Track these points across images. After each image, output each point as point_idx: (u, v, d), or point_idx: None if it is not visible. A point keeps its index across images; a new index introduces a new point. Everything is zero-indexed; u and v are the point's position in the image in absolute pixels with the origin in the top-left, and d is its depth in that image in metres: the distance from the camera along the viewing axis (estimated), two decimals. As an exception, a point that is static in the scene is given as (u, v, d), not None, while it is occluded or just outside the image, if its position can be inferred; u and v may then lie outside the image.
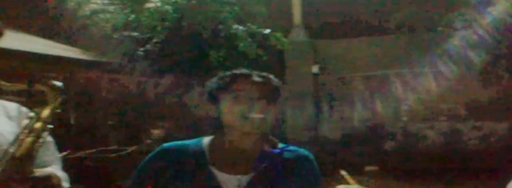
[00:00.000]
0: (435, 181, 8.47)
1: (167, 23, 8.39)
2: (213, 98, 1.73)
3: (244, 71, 1.74)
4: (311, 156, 1.82)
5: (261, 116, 1.63)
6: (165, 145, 1.78)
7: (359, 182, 7.12)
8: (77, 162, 5.75)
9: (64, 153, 4.92)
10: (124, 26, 8.60)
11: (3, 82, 1.62)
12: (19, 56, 6.76)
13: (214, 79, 1.76)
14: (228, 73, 1.75)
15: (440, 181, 8.41)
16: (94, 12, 8.60)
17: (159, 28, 8.36)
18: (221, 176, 1.66)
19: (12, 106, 1.79)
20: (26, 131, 1.56)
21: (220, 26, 8.42)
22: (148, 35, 8.57)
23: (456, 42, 7.90)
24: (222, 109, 1.68)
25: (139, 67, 8.56)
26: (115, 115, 8.71)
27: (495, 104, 9.32)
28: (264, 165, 1.68)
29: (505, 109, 9.22)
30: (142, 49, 8.55)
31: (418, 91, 9.91)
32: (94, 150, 6.97)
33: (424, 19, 8.97)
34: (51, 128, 1.61)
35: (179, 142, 1.79)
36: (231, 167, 1.67)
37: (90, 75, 8.50)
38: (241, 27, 8.27)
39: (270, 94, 1.68)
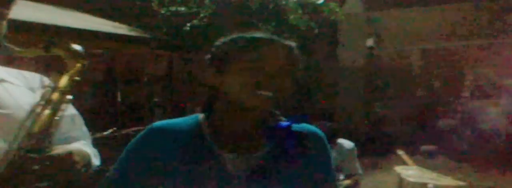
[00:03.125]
0: (494, 162, 7.94)
1: (214, -3, 8.18)
2: (217, 65, 1.44)
3: (264, 35, 1.45)
4: (322, 133, 1.60)
5: (272, 93, 1.37)
6: (156, 124, 1.53)
7: (416, 162, 6.80)
8: (123, 139, 5.73)
9: (110, 130, 4.93)
10: (171, 1, 8.39)
11: (17, 48, 1.44)
12: (66, 33, 6.71)
13: (225, 42, 1.46)
14: (243, 36, 1.45)
15: (500, 162, 7.88)
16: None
17: (206, 2, 8.14)
18: (226, 157, 1.45)
19: (34, 77, 1.64)
20: (43, 102, 1.41)
21: (270, -2, 8.13)
22: (195, 10, 8.34)
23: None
24: (228, 80, 1.42)
25: (185, 42, 8.44)
26: (162, 93, 8.67)
27: None
28: (275, 141, 1.48)
29: None
30: (189, 24, 8.39)
31: (482, 65, 9.39)
32: (140, 128, 6.85)
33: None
34: (71, 99, 1.44)
35: (171, 120, 1.54)
36: (236, 147, 1.46)
37: (136, 51, 8.43)
38: (292, -2, 7.94)
39: (291, 66, 1.42)
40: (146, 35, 8.60)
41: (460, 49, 9.59)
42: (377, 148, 8.52)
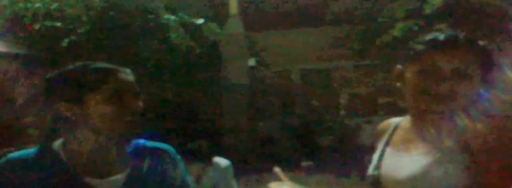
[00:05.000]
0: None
1: (93, 13, 7.88)
2: (72, 95, 1.46)
3: (110, 66, 1.53)
4: (172, 149, 1.71)
5: (138, 117, 1.49)
6: (11, 156, 1.50)
7: (294, 178, 6.92)
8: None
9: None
10: (46, 15, 7.98)
11: None
12: None
13: (73, 75, 1.50)
14: (90, 67, 1.51)
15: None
16: (13, 1, 8.00)
17: (84, 18, 7.84)
18: (91, 182, 1.47)
19: None
20: None
21: (150, 16, 7.96)
22: (72, 26, 8.02)
23: (396, 33, 7.74)
24: (91, 110, 1.46)
25: (62, 59, 8.06)
26: (37, 112, 8.20)
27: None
28: (134, 160, 1.56)
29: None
30: (66, 40, 8.03)
31: (357, 84, 9.81)
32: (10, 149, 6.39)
33: (365, 10, 8.81)
34: None
35: (26, 151, 1.52)
36: (98, 171, 1.49)
37: (5, 67, 7.91)
38: (172, 17, 7.83)
39: (139, 91, 1.54)
40: (17, 51, 8.14)
41: (336, 69, 9.98)
42: (259, 165, 8.60)
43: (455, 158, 1.43)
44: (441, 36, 1.54)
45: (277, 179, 5.42)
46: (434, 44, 1.53)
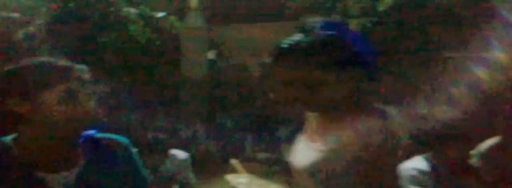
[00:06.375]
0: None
1: (51, 4, 7.80)
2: (24, 93, 1.43)
3: (67, 63, 1.49)
4: (125, 140, 1.69)
5: (92, 115, 1.48)
6: None
7: (251, 171, 6.97)
8: None
9: None
10: (3, 6, 7.88)
11: None
12: None
13: (28, 71, 1.44)
14: (47, 64, 1.46)
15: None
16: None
17: (42, 9, 7.75)
18: (45, 177, 1.44)
19: None
20: None
21: (110, 8, 7.92)
22: (30, 17, 7.93)
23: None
24: (42, 108, 1.42)
25: (19, 51, 7.94)
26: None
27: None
28: (88, 153, 1.53)
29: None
30: (23, 32, 7.92)
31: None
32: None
33: (321, 6, 8.92)
34: None
35: None
36: (51, 166, 1.46)
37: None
38: (132, 10, 7.81)
39: (93, 88, 1.53)
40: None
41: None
42: (217, 157, 8.65)
43: (339, 154, 1.46)
44: (280, 44, 1.60)
45: (235, 171, 5.50)
46: (273, 54, 1.62)
